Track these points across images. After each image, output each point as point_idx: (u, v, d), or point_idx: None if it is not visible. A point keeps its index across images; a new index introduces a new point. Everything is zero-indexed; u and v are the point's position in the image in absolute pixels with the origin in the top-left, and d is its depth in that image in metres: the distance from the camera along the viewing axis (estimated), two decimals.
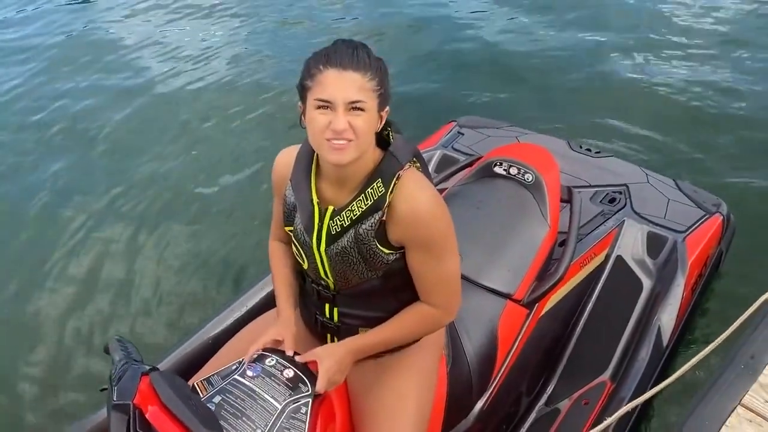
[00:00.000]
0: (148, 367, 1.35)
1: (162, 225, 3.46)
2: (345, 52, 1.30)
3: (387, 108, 1.38)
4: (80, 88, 4.80)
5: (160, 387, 1.26)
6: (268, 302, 2.09)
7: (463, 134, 3.04)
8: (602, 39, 4.92)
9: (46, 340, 2.85)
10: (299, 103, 1.37)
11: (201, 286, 3.08)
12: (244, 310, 2.17)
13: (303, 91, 1.34)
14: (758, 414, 1.75)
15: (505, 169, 2.26)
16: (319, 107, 1.30)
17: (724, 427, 1.71)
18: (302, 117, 1.37)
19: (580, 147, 2.92)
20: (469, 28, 5.23)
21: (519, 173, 2.23)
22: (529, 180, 2.21)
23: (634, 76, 4.44)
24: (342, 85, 1.28)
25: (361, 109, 1.29)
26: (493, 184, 2.26)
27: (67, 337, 2.86)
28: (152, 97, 4.60)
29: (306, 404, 1.41)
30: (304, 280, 1.61)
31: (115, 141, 4.19)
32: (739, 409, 1.75)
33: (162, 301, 3.01)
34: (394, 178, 1.37)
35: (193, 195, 3.67)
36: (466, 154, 2.85)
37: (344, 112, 1.28)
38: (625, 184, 2.69)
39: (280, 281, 1.64)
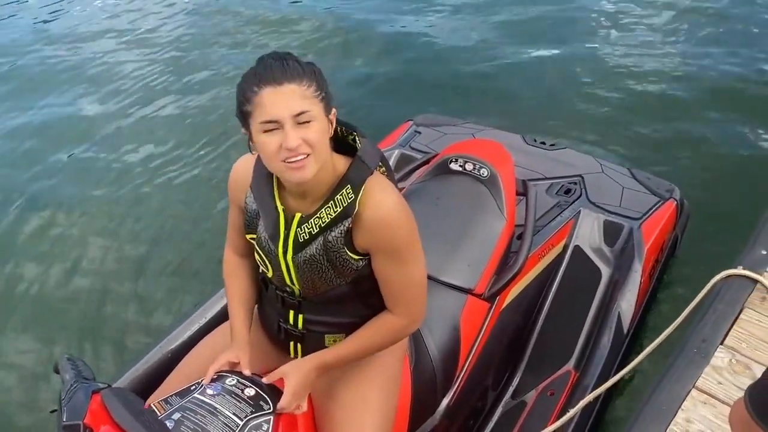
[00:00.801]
0: (99, 385, 1.31)
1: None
2: (275, 66, 1.25)
3: (333, 110, 1.34)
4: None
5: (112, 405, 1.22)
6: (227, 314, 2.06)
7: (420, 133, 3.05)
8: (551, 35, 4.98)
9: None
10: (242, 130, 1.33)
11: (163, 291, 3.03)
12: (203, 322, 2.12)
13: (244, 117, 1.29)
14: (712, 396, 1.79)
15: (460, 165, 2.26)
16: (265, 131, 1.25)
17: (680, 410, 1.75)
18: (250, 143, 1.33)
19: (535, 140, 2.94)
20: (417, 30, 5.24)
21: (474, 169, 2.24)
22: (485, 175, 2.22)
23: (586, 69, 4.51)
24: (282, 100, 1.23)
25: (309, 120, 1.25)
26: (449, 180, 2.26)
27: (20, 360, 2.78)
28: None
29: (267, 421, 1.39)
30: (266, 287, 1.57)
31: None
32: (694, 392, 1.80)
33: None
34: (364, 184, 1.35)
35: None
36: (424, 152, 2.85)
37: (293, 128, 1.24)
38: (580, 175, 2.72)
39: (235, 300, 1.60)
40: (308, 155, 1.26)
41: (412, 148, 2.94)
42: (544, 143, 2.92)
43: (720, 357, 1.89)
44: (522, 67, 4.58)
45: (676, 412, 1.74)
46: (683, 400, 1.77)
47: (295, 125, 1.24)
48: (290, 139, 1.24)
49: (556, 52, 4.74)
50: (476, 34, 5.07)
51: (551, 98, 4.20)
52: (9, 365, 2.71)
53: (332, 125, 1.35)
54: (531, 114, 3.99)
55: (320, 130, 1.28)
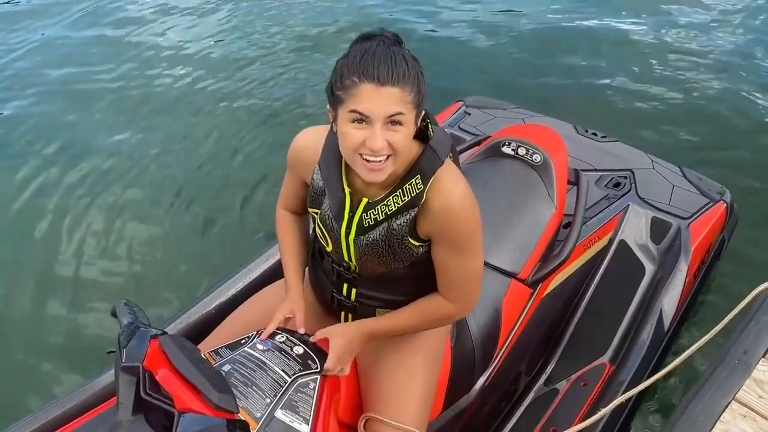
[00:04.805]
0: (155, 331, 1.35)
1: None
2: (383, 63, 1.20)
3: (423, 113, 1.32)
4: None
5: (170, 350, 1.25)
6: (273, 273, 2.09)
7: (469, 114, 3.02)
8: (612, 24, 4.87)
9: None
10: (329, 107, 1.31)
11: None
12: (248, 280, 2.15)
13: (335, 100, 1.26)
14: (752, 409, 1.73)
15: (513, 149, 2.25)
16: (353, 120, 1.23)
17: (718, 422, 1.70)
18: (332, 123, 1.32)
19: (586, 131, 2.90)
20: (472, 11, 5.17)
21: (527, 153, 2.22)
22: (537, 161, 2.21)
23: (644, 62, 4.41)
24: (380, 101, 1.20)
25: (400, 123, 1.23)
26: (500, 163, 2.25)
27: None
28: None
29: (314, 380, 1.43)
30: (322, 257, 1.59)
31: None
32: (734, 405, 1.74)
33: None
34: (433, 175, 1.34)
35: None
36: (473, 134, 2.84)
37: (381, 128, 1.22)
38: (630, 170, 2.69)
39: (289, 255, 1.63)
40: (388, 157, 1.25)
41: (461, 129, 2.92)
42: (595, 134, 2.88)
43: (762, 370, 1.82)
44: (578, 55, 4.49)
45: (715, 423, 1.69)
46: (722, 412, 1.72)
47: (384, 126, 1.23)
48: (377, 140, 1.22)
49: (618, 43, 4.63)
50: (536, 18, 4.98)
51: (606, 90, 4.13)
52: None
53: (417, 125, 1.31)
54: (582, 104, 3.92)
55: (407, 136, 1.26)
